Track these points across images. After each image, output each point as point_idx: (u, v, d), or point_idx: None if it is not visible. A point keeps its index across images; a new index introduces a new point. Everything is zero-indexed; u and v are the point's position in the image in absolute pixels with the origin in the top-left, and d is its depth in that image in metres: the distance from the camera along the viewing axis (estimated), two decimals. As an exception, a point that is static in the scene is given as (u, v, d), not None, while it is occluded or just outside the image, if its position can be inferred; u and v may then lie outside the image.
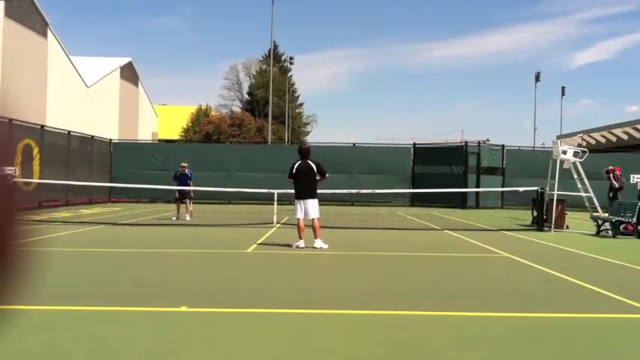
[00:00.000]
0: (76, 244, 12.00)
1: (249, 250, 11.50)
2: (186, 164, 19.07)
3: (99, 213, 21.91)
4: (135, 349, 4.78)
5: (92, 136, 29.82)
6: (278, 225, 17.00)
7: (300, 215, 11.88)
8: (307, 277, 8.64)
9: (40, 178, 22.36)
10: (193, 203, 20.18)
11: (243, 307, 6.27)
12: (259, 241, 12.84)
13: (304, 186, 11.84)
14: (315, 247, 11.50)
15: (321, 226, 12.13)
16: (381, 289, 7.71)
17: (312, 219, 11.81)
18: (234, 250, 11.29)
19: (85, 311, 6.04)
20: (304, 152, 12.10)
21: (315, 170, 11.87)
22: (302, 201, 11.86)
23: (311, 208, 11.81)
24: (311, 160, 11.95)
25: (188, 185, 18.86)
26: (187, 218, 18.55)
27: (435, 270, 9.49)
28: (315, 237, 11.72)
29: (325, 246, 11.60)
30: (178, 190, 18.90)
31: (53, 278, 8.14)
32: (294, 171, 11.92)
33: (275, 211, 17.78)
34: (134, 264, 9.64)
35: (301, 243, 11.72)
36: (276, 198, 18.13)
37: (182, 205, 19.05)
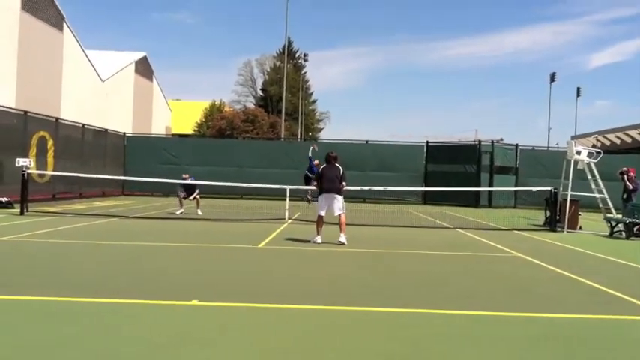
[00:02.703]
0: (88, 236, 12.08)
1: (261, 245, 11.53)
2: (186, 175, 19.69)
3: (112, 206, 22.03)
4: (144, 341, 4.81)
5: (106, 130, 29.97)
6: (290, 221, 17.03)
7: (322, 212, 12.17)
8: (317, 273, 8.65)
9: (54, 171, 22.53)
10: (203, 198, 20.28)
11: (253, 302, 6.29)
12: (271, 237, 12.88)
13: (330, 182, 12.16)
14: (340, 242, 11.78)
15: (334, 223, 12.19)
16: (392, 286, 7.71)
17: (339, 215, 12.14)
18: (246, 246, 11.31)
19: (96, 303, 6.08)
20: (331, 159, 12.41)
21: (340, 173, 12.23)
22: (328, 195, 12.14)
23: (337, 203, 12.14)
24: (338, 165, 12.37)
25: (194, 191, 19.25)
26: (199, 213, 18.63)
27: (447, 268, 9.46)
28: (341, 231, 12.04)
29: (346, 242, 11.86)
30: (185, 191, 19.16)
31: (65, 270, 8.21)
32: (319, 172, 12.46)
33: (287, 207, 17.79)
34: (146, 257, 9.69)
35: (318, 238, 12.02)
36: (288, 194, 18.14)
37: (186, 202, 19.23)
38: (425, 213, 23.45)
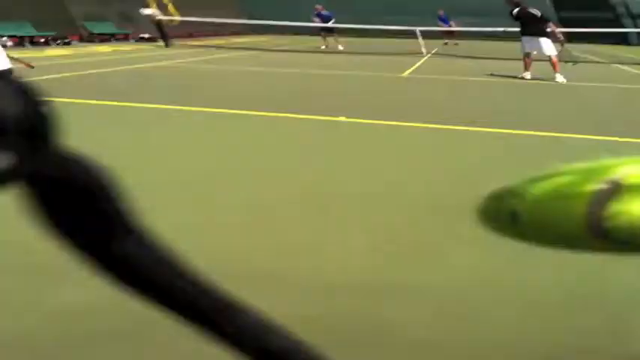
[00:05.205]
0: (239, 64, 12.72)
1: (405, 74, 11.50)
2: (320, 6, 19.88)
3: (249, 42, 22.08)
4: (297, 148, 4.98)
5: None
6: (429, 55, 16.57)
7: (528, 49, 11.00)
8: (452, 98, 8.48)
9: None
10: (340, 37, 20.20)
11: (397, 121, 6.17)
12: (413, 68, 12.80)
13: (533, 24, 10.88)
14: (557, 82, 10.58)
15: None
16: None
17: (550, 56, 10.88)
18: (391, 74, 11.30)
19: (252, 115, 6.23)
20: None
21: (539, 14, 10.93)
22: (531, 38, 10.90)
23: (545, 45, 10.84)
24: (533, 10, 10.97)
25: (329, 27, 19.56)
26: (340, 47, 18.78)
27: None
28: (555, 71, 10.79)
29: (565, 80, 10.64)
30: (322, 26, 19.49)
31: (221, 88, 8.83)
32: (517, 11, 10.93)
33: (421, 42, 17.27)
34: (293, 81, 10.08)
35: (527, 75, 10.98)
36: (419, 34, 17.58)
37: (329, 38, 19.54)
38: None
